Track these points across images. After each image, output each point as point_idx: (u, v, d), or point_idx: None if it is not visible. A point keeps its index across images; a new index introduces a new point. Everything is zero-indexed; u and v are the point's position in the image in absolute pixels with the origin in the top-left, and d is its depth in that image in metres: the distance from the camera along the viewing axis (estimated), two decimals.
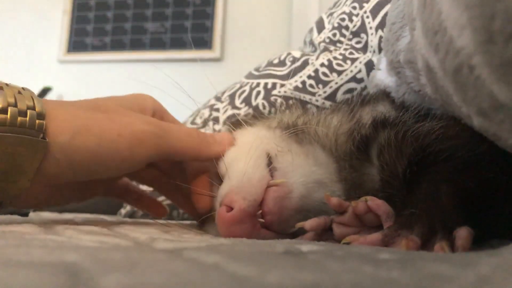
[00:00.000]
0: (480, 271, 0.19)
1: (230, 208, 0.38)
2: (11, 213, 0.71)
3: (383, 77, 0.57)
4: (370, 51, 0.82)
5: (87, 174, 0.41)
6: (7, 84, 0.37)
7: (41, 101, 0.37)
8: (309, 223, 0.37)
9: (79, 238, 0.31)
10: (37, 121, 0.36)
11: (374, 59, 0.81)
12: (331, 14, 0.93)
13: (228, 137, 0.49)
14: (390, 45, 0.52)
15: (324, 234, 0.38)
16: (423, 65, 0.39)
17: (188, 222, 0.66)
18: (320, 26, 0.93)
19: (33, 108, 0.36)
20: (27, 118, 0.36)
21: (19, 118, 0.35)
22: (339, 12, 0.89)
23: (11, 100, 0.35)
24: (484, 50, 0.28)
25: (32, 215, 0.79)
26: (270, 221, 0.39)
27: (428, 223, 0.31)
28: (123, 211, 1.06)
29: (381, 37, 0.80)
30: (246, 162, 0.42)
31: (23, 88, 0.38)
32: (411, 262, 0.23)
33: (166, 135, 0.43)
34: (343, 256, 0.25)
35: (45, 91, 2.26)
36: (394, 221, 0.33)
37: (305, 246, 0.30)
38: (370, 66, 0.80)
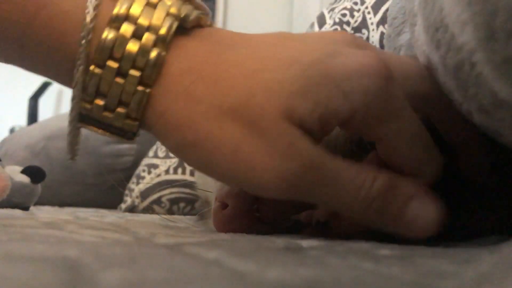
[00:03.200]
0: (480, 268, 0.19)
1: (225, 204, 0.38)
2: (12, 207, 0.71)
3: None
4: None
5: None
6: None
7: (145, 91, 0.26)
8: (305, 215, 0.37)
9: (79, 232, 0.31)
10: (126, 120, 0.27)
11: None
12: (332, 10, 0.92)
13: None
14: (391, 41, 0.52)
15: (326, 229, 0.38)
16: (424, 61, 0.39)
17: (189, 217, 0.66)
18: (321, 21, 0.93)
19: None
20: (114, 116, 0.27)
21: (105, 113, 0.27)
22: (341, 7, 0.89)
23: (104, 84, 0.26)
24: (485, 47, 0.28)
25: (33, 209, 0.80)
26: (266, 215, 0.39)
27: None
28: (123, 205, 1.06)
29: (382, 33, 0.80)
30: None
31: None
32: (411, 258, 0.23)
33: (311, 188, 0.26)
34: (344, 252, 0.25)
35: (45, 85, 2.27)
36: None
37: (305, 241, 0.30)
38: None
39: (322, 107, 0.25)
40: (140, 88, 0.26)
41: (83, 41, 0.25)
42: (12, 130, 2.27)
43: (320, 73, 0.25)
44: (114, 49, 0.25)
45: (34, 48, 0.27)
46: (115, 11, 0.25)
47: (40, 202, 0.89)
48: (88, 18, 0.25)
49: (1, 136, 1.60)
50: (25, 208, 0.74)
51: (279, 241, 0.29)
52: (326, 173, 0.26)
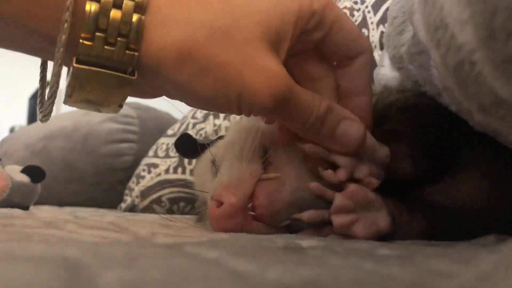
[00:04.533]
0: (480, 267, 0.19)
1: (221, 203, 0.38)
2: (12, 207, 0.71)
3: (387, 71, 0.57)
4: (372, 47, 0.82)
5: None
6: None
7: (140, 17, 0.29)
8: (306, 214, 0.37)
9: (79, 232, 0.31)
10: (126, 51, 0.29)
11: (375, 55, 0.80)
12: None
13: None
14: (392, 39, 0.52)
15: (325, 228, 0.38)
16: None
17: (188, 216, 0.66)
18: None
19: (127, 29, 0.29)
20: (115, 48, 0.29)
21: (106, 47, 0.29)
22: (341, 6, 0.89)
23: (102, 15, 0.28)
24: (485, 46, 0.28)
25: (33, 208, 0.80)
26: (261, 214, 0.39)
27: None
28: (123, 205, 1.06)
29: (382, 32, 0.80)
30: (239, 154, 0.42)
31: None
32: (411, 258, 0.23)
33: (284, 110, 0.34)
34: (343, 252, 0.25)
35: None
36: None
37: (305, 241, 0.30)
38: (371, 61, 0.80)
39: (289, 14, 0.32)
40: (135, 16, 0.29)
41: None
42: (12, 130, 2.27)
43: None
44: None
45: None
46: None
47: (40, 202, 0.89)
48: None
49: (1, 136, 1.60)
50: (25, 208, 0.74)
51: (279, 241, 0.29)
52: (295, 95, 0.33)
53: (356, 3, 0.86)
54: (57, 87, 0.31)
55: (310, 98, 0.35)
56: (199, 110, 0.97)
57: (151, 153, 1.08)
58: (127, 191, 1.08)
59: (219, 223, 0.38)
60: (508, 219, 0.38)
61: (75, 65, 0.29)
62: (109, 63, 0.29)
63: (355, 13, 0.85)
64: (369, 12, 0.84)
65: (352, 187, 0.36)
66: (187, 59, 0.30)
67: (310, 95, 0.35)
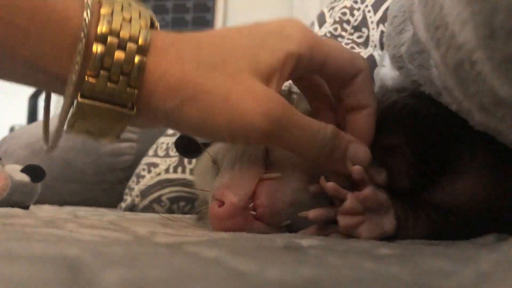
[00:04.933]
0: (480, 267, 0.19)
1: (222, 203, 0.38)
2: (12, 206, 0.71)
3: (387, 71, 0.57)
4: (372, 46, 0.82)
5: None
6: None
7: (142, 59, 0.31)
8: (313, 213, 0.37)
9: (79, 231, 0.31)
10: (127, 88, 0.32)
11: (376, 54, 0.80)
12: (332, 8, 0.92)
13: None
14: (392, 39, 0.52)
15: (328, 227, 0.38)
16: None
17: (188, 216, 0.66)
18: (321, 20, 0.93)
19: (130, 67, 0.31)
20: (117, 85, 0.31)
21: (109, 84, 0.31)
22: (341, 6, 0.89)
23: (108, 60, 0.31)
24: (485, 45, 0.28)
25: (33, 208, 0.80)
26: (262, 213, 0.39)
27: None
28: (123, 204, 1.06)
29: (382, 31, 0.80)
30: (241, 154, 0.42)
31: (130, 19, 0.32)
32: (411, 257, 0.23)
33: (283, 133, 0.34)
34: (344, 251, 0.25)
35: None
36: None
37: (305, 240, 0.30)
38: (371, 60, 0.80)
39: (278, 51, 0.34)
40: (137, 57, 0.31)
41: (84, 20, 0.30)
42: (12, 129, 2.26)
43: (271, 34, 0.35)
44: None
45: (37, 35, 0.30)
46: (99, 29, 0.31)
47: (40, 201, 0.89)
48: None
49: (1, 135, 1.60)
50: (25, 207, 0.74)
51: (279, 240, 0.29)
52: (293, 117, 0.34)
53: (356, 2, 0.86)
54: (65, 121, 0.33)
55: (313, 121, 0.35)
56: None
57: (151, 152, 1.08)
58: (127, 191, 1.08)
59: (220, 222, 0.38)
60: (509, 218, 0.38)
61: (79, 99, 0.31)
62: (111, 98, 0.32)
63: (355, 12, 0.85)
64: (369, 11, 0.84)
65: (367, 191, 0.36)
66: (174, 89, 0.32)
67: (312, 119, 0.35)
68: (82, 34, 0.30)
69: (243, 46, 0.34)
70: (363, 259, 0.22)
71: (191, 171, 0.97)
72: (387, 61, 0.58)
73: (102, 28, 0.31)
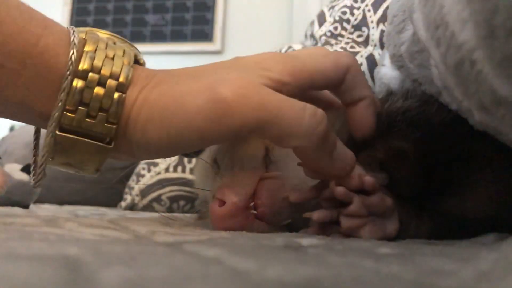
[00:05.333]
0: (480, 266, 0.19)
1: (223, 202, 0.38)
2: (12, 205, 0.71)
3: (387, 70, 0.57)
4: (371, 45, 0.82)
5: (170, 155, 0.37)
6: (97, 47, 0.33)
7: (120, 95, 0.32)
8: (317, 215, 0.36)
9: (79, 231, 0.31)
10: (105, 124, 0.33)
11: (375, 53, 0.80)
12: (332, 7, 0.92)
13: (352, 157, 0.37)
14: (392, 38, 0.52)
15: (329, 227, 0.38)
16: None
17: (188, 215, 0.66)
18: (321, 19, 0.93)
19: (109, 104, 0.32)
20: (95, 121, 0.32)
21: (86, 120, 0.32)
22: (341, 5, 0.89)
23: (86, 96, 0.32)
24: (485, 45, 0.28)
25: (33, 207, 0.80)
26: (263, 213, 0.39)
27: None
28: (123, 203, 1.06)
29: (382, 31, 0.80)
30: (241, 154, 0.42)
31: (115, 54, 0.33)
32: (411, 257, 0.23)
33: (263, 113, 0.33)
34: (343, 250, 0.25)
35: None
36: None
37: (305, 240, 0.30)
38: (371, 60, 0.80)
39: (260, 77, 0.33)
40: (117, 94, 0.32)
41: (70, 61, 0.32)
42: (12, 128, 2.26)
43: (250, 65, 0.35)
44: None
45: (28, 77, 0.31)
46: (80, 66, 0.32)
47: (40, 200, 0.89)
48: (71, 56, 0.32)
49: (1, 134, 1.60)
50: (25, 206, 0.74)
51: (279, 240, 0.29)
52: (272, 103, 0.32)
53: (356, 1, 0.86)
54: (48, 156, 0.33)
55: (295, 100, 0.33)
56: None
57: None
58: (127, 190, 1.08)
59: (221, 222, 0.38)
60: (509, 217, 0.38)
61: (58, 132, 0.32)
62: (88, 133, 0.33)
63: (355, 11, 0.85)
64: (369, 10, 0.83)
65: (375, 198, 0.36)
66: (139, 112, 0.33)
67: (294, 99, 0.33)
68: (68, 72, 0.31)
69: (224, 74, 0.34)
70: (363, 259, 0.22)
71: (191, 170, 0.97)
72: (387, 61, 0.58)
73: (84, 65, 0.32)
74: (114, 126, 0.33)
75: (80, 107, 0.32)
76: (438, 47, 0.33)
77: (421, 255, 0.24)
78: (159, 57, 2.09)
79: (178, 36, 2.15)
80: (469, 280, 0.17)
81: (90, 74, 0.32)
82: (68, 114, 0.32)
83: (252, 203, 0.39)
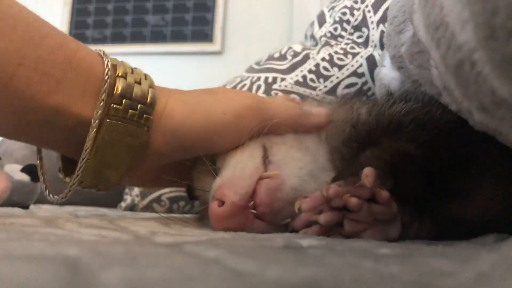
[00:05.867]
0: (480, 267, 0.19)
1: (222, 202, 0.38)
2: (12, 206, 0.71)
3: (388, 72, 0.57)
4: (372, 46, 0.82)
5: (195, 152, 0.44)
6: (121, 66, 0.40)
7: (153, 90, 0.40)
8: (324, 218, 0.36)
9: (79, 231, 0.31)
10: (144, 115, 0.39)
11: (376, 54, 0.80)
12: (332, 8, 0.92)
13: (325, 112, 0.49)
14: (392, 39, 0.52)
15: (331, 228, 0.38)
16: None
17: (188, 215, 0.66)
18: (321, 20, 0.93)
19: (145, 99, 0.39)
20: (137, 112, 0.39)
21: (130, 111, 0.38)
22: (341, 6, 0.89)
23: (128, 90, 0.38)
24: (485, 46, 0.28)
25: (33, 207, 0.80)
26: (262, 212, 0.39)
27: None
28: (123, 204, 1.06)
29: (382, 31, 0.80)
30: (239, 154, 0.42)
31: (133, 70, 0.41)
32: (411, 257, 0.23)
33: (266, 106, 0.45)
34: (343, 251, 0.25)
35: None
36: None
37: (305, 240, 0.30)
38: (371, 60, 0.80)
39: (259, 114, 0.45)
40: (151, 90, 0.40)
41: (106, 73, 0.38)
42: None
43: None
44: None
45: (69, 81, 0.36)
46: (117, 72, 0.39)
47: (40, 201, 0.89)
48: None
49: None
50: (25, 207, 0.74)
51: (279, 240, 0.29)
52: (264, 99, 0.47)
53: (356, 2, 0.86)
54: (90, 152, 0.38)
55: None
56: None
57: None
58: (127, 190, 1.08)
59: (221, 222, 0.38)
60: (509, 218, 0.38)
61: (108, 120, 0.37)
62: (131, 123, 0.39)
63: (355, 12, 0.85)
64: (369, 11, 0.84)
65: (383, 207, 0.35)
66: (178, 106, 0.41)
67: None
68: (107, 77, 0.37)
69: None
70: (363, 259, 0.22)
71: None
72: (387, 61, 0.58)
73: (119, 71, 0.39)
74: (151, 117, 0.39)
75: (124, 100, 0.38)
76: (438, 48, 0.33)
77: (421, 255, 0.24)
78: (159, 58, 2.09)
79: (178, 37, 2.15)
80: (469, 280, 0.17)
81: (128, 77, 0.39)
82: (115, 106, 0.37)
83: (252, 203, 0.39)
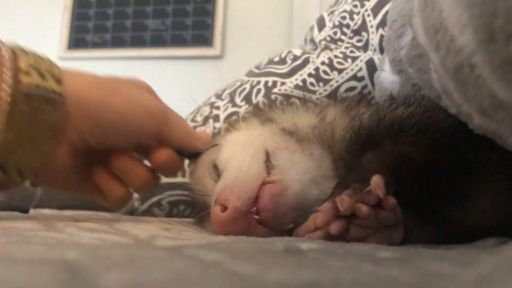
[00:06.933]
0: (480, 269, 0.19)
1: (224, 207, 0.38)
2: (12, 210, 0.71)
3: (387, 75, 0.57)
4: (371, 50, 0.82)
5: (103, 137, 0.44)
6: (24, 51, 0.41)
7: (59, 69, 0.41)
8: (335, 228, 0.35)
9: (79, 235, 0.31)
10: (57, 85, 0.40)
11: (375, 58, 0.81)
12: (332, 12, 0.92)
13: (208, 136, 0.51)
14: (391, 43, 0.52)
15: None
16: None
17: (188, 219, 0.66)
18: (321, 24, 0.93)
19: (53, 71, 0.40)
20: (48, 83, 0.39)
21: (41, 81, 0.39)
22: (340, 10, 0.89)
23: (34, 64, 0.39)
24: (485, 49, 0.28)
25: (33, 212, 0.79)
26: (265, 217, 0.39)
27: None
28: (123, 208, 1.06)
29: (382, 35, 0.80)
30: (242, 159, 0.42)
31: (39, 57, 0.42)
32: (411, 261, 0.23)
33: (170, 117, 0.47)
34: (343, 254, 0.25)
35: None
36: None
37: (305, 244, 0.30)
38: (371, 64, 0.80)
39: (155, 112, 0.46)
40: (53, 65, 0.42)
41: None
42: None
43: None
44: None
45: None
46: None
47: (40, 205, 0.89)
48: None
49: None
50: (25, 211, 0.74)
51: (279, 244, 0.29)
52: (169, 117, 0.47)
53: (355, 6, 0.86)
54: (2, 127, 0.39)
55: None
56: (199, 113, 0.97)
57: None
58: None
59: (224, 227, 0.38)
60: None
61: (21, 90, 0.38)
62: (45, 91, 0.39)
63: (355, 16, 0.86)
64: (368, 15, 0.84)
65: (389, 213, 0.35)
66: (96, 85, 0.43)
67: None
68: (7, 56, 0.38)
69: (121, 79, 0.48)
70: (363, 262, 0.22)
71: (191, 175, 0.97)
72: (387, 65, 0.59)
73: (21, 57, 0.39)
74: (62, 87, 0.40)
75: (32, 70, 0.39)
76: (438, 51, 0.33)
77: (420, 258, 0.24)
78: (159, 62, 2.09)
79: (178, 41, 2.15)
80: (469, 283, 0.17)
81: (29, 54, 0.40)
82: (24, 77, 0.38)
83: (254, 208, 0.39)
